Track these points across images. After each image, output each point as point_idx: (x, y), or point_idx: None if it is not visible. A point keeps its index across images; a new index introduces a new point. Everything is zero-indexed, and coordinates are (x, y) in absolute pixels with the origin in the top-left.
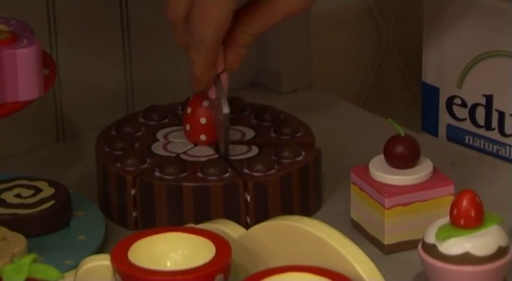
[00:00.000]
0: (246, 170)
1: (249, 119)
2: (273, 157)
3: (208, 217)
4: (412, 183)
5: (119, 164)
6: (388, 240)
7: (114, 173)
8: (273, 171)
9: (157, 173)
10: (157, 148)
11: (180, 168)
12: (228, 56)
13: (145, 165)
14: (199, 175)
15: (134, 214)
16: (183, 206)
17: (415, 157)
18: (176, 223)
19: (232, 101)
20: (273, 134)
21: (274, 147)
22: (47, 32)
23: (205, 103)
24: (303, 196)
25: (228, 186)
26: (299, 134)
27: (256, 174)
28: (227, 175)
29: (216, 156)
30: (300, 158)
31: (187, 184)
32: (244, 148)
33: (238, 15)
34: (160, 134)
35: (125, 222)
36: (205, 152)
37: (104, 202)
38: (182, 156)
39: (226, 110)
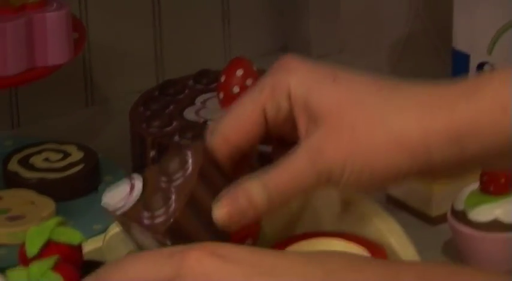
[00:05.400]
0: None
1: None
2: None
3: None
4: None
5: (144, 125)
6: (436, 212)
7: (137, 133)
8: None
9: (176, 137)
10: (189, 112)
11: (200, 134)
12: None
13: (169, 128)
14: None
15: None
16: None
17: None
18: None
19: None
20: None
21: None
22: None
23: (239, 72)
24: None
25: None
26: None
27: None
28: None
29: None
30: None
31: None
32: None
33: None
34: (199, 99)
35: None
36: None
37: (133, 163)
38: (210, 123)
39: None
